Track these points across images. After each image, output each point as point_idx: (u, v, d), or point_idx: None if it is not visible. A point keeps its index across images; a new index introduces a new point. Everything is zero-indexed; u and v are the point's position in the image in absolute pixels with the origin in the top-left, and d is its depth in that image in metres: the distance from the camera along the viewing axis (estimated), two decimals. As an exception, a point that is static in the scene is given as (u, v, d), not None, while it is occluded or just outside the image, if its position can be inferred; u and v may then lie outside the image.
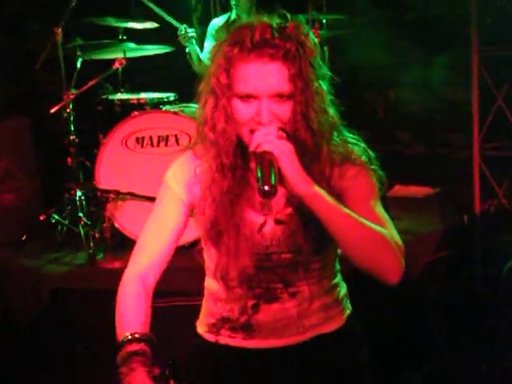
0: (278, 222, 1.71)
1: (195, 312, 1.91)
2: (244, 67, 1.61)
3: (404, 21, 4.87)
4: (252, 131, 1.62)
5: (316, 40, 1.70)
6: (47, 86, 4.77)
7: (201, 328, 1.86)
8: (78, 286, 3.62)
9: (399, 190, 4.65)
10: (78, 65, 4.14)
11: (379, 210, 1.69)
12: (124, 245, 3.80)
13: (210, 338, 1.81)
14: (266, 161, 1.57)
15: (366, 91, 4.20)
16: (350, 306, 1.89)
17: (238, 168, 1.70)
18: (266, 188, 1.56)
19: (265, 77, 1.60)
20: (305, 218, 1.66)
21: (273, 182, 1.56)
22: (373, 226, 1.59)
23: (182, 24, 4.38)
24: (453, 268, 3.72)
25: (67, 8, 4.02)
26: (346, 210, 1.58)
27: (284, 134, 1.62)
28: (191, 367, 1.82)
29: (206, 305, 1.87)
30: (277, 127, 1.61)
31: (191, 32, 4.39)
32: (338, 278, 1.84)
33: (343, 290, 1.86)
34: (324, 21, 4.39)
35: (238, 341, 1.77)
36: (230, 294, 1.75)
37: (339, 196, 1.66)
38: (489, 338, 3.41)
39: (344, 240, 1.59)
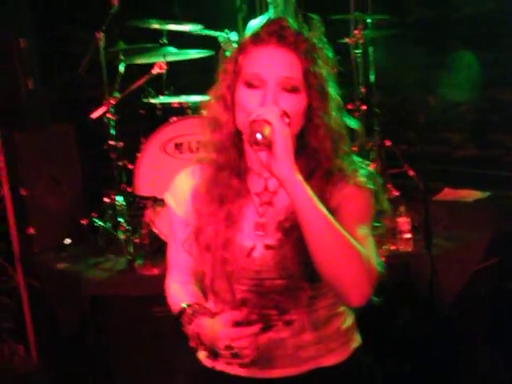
0: (267, 247, 1.62)
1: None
2: (254, 51, 1.57)
3: (452, 20, 4.69)
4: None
5: (332, 56, 1.64)
6: (90, 90, 4.79)
7: (201, 352, 1.78)
8: (116, 293, 3.62)
9: (448, 194, 4.52)
10: (121, 69, 4.14)
11: (365, 233, 1.56)
12: (163, 251, 3.76)
13: (208, 363, 1.74)
14: (262, 125, 1.47)
15: (412, 92, 4.07)
16: (358, 338, 1.78)
17: (235, 167, 1.63)
18: (258, 136, 1.46)
19: (274, 60, 1.55)
20: (296, 243, 1.56)
21: (266, 133, 1.46)
22: (350, 238, 1.47)
23: (222, 31, 4.27)
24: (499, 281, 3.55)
25: (110, 12, 4.01)
26: (326, 212, 1.46)
27: (287, 120, 1.52)
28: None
29: None
30: (281, 110, 1.52)
31: (233, 36, 4.32)
32: (342, 308, 1.71)
33: (348, 320, 1.74)
34: (369, 21, 4.26)
35: (234, 368, 1.68)
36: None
37: None
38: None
39: (314, 240, 1.45)
